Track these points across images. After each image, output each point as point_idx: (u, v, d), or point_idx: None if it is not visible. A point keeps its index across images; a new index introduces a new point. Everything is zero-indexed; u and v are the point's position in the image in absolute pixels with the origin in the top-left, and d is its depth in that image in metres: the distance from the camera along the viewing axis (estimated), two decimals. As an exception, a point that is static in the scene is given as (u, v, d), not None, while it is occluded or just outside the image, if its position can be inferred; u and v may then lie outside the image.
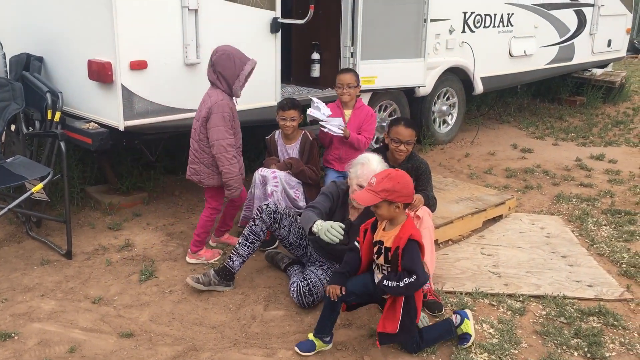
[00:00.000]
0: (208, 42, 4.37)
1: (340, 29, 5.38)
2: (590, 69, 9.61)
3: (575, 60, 8.54)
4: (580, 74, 9.71)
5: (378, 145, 4.34)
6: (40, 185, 3.84)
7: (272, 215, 3.55)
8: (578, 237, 4.51)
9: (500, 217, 4.81)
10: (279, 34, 4.81)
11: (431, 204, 3.76)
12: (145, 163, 5.41)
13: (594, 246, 4.37)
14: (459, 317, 3.18)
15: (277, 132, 4.47)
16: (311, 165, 4.32)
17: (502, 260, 4.11)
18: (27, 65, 4.65)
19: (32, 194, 3.84)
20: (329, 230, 3.16)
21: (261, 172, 4.19)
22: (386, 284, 2.90)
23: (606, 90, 9.63)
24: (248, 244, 3.56)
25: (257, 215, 3.55)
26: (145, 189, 5.18)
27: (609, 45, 9.11)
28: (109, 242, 4.29)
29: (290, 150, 4.40)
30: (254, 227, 3.55)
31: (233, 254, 3.58)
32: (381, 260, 3.00)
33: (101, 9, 3.98)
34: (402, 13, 5.62)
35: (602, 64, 9.59)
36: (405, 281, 2.85)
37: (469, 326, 3.15)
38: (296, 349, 3.07)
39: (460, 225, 4.47)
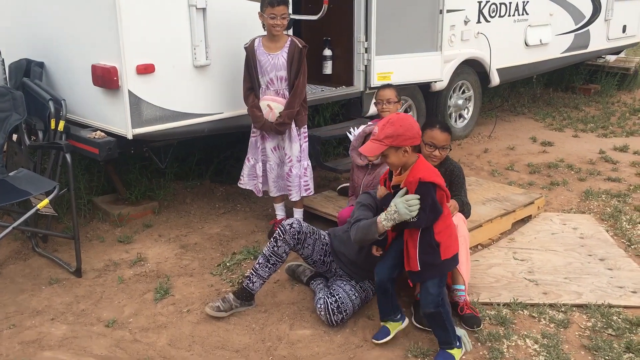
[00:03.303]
0: (218, 42, 4.14)
1: (353, 24, 5.13)
2: (604, 56, 9.36)
3: (591, 48, 8.26)
4: (594, 61, 9.45)
5: None
6: (46, 201, 3.61)
7: (295, 237, 3.30)
8: (613, 237, 4.27)
9: (529, 218, 4.57)
10: (289, 31, 4.56)
11: (465, 210, 3.52)
12: (154, 170, 5.18)
13: (632, 247, 4.13)
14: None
15: (256, 40, 3.96)
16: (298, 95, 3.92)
17: (536, 265, 3.87)
18: (28, 71, 4.40)
19: (37, 210, 3.62)
20: (407, 207, 2.72)
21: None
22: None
23: (621, 77, 9.38)
24: (269, 265, 3.30)
25: (280, 236, 3.28)
26: (155, 197, 4.94)
27: (624, 31, 8.82)
28: (119, 257, 4.06)
29: (276, 59, 3.90)
30: (276, 249, 3.29)
31: (252, 274, 3.32)
32: None
33: (105, 10, 3.74)
34: (417, 4, 5.37)
35: (617, 51, 9.31)
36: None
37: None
38: (374, 341, 3.05)
39: (490, 229, 4.23)
